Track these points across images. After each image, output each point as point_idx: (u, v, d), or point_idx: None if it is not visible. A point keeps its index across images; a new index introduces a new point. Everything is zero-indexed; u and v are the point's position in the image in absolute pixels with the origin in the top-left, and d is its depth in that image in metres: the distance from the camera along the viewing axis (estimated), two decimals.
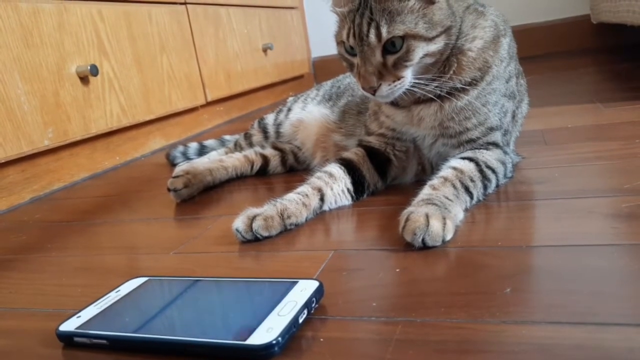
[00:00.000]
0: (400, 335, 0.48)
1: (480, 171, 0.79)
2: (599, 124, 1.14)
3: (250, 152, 1.18)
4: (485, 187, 0.79)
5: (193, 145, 1.40)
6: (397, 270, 0.61)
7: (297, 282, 0.57)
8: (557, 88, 1.72)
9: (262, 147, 1.22)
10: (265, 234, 0.76)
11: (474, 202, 0.77)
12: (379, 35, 0.74)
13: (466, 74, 0.81)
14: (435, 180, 0.76)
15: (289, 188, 0.85)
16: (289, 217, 0.78)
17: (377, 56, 0.76)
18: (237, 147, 1.28)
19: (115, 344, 0.53)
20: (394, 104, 0.86)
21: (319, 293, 0.55)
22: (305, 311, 0.52)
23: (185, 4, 1.89)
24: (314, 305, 0.54)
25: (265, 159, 1.17)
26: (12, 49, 1.19)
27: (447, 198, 0.71)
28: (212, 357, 0.49)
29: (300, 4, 3.02)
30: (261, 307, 0.53)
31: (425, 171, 0.91)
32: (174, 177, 1.05)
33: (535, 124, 1.18)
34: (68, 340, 0.55)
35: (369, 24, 0.74)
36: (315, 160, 1.12)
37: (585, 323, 0.46)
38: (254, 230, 0.76)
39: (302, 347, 0.49)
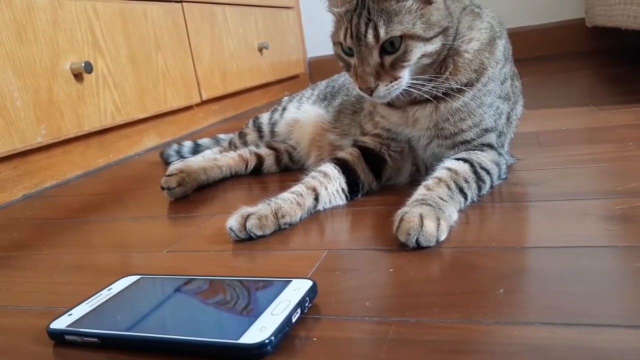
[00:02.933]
0: (394, 335, 0.48)
1: (475, 172, 0.79)
2: (593, 127, 1.14)
3: (244, 151, 1.18)
4: (479, 188, 0.79)
5: (187, 144, 1.40)
6: (391, 270, 0.61)
7: (290, 281, 0.57)
8: (552, 91, 1.72)
9: (257, 146, 1.22)
10: (260, 233, 0.76)
11: (468, 203, 0.77)
12: (376, 35, 0.74)
13: (462, 75, 0.81)
14: (429, 181, 0.76)
15: (284, 187, 0.85)
16: (283, 216, 0.78)
17: (375, 56, 0.76)
18: (232, 146, 1.28)
19: (107, 342, 0.53)
20: (390, 104, 0.86)
21: (312, 292, 0.55)
22: (299, 310, 0.52)
23: (181, 2, 1.88)
24: (308, 305, 0.54)
25: (260, 158, 1.17)
26: (5, 45, 1.18)
27: (442, 199, 0.71)
28: (205, 356, 0.49)
29: (297, 4, 3.02)
30: (254, 306, 0.53)
31: (420, 172, 0.91)
32: (168, 176, 1.05)
33: (530, 126, 1.18)
34: (59, 338, 0.55)
35: (367, 24, 0.74)
36: (310, 159, 1.12)
37: (579, 324, 0.46)
38: (247, 229, 0.75)
39: (295, 347, 0.49)
